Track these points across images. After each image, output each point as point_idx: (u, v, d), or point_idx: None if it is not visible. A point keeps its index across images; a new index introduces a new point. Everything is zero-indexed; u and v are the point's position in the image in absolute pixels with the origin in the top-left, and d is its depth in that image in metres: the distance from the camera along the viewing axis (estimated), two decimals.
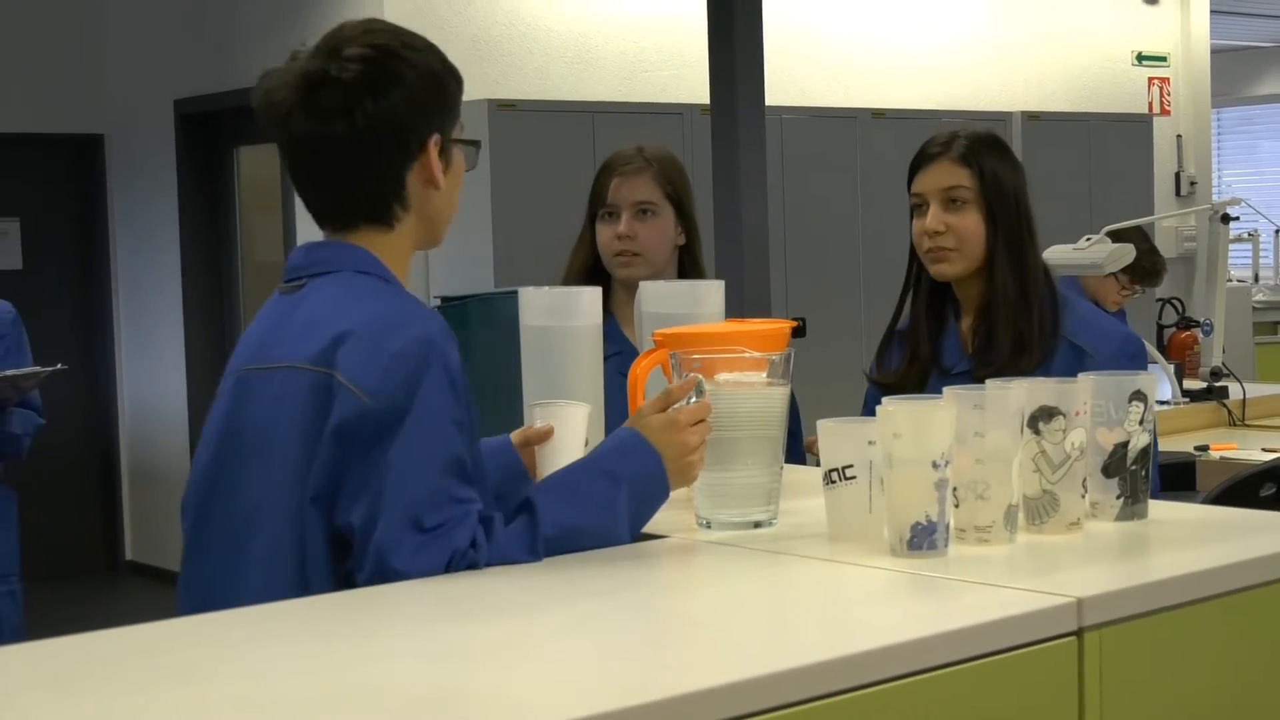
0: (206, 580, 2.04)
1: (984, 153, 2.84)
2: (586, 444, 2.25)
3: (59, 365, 4.75)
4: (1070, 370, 2.54)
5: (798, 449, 2.82)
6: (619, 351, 2.93)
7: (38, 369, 4.68)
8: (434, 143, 2.07)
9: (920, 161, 2.89)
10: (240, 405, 2.07)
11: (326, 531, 1.92)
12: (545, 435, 2.21)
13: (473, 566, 1.87)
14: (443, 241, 2.20)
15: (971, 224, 2.81)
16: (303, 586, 1.90)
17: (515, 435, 2.25)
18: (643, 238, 3.08)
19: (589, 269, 3.12)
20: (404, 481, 1.89)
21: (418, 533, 1.87)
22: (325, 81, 2.02)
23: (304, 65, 2.04)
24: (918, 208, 2.87)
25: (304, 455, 1.94)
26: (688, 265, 3.19)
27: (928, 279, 2.90)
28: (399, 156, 2.06)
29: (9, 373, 4.60)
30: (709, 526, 2.05)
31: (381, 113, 2.03)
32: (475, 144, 2.18)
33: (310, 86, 2.02)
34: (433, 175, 2.07)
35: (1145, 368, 2.76)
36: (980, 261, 2.82)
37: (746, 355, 2.08)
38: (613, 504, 1.98)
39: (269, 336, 2.07)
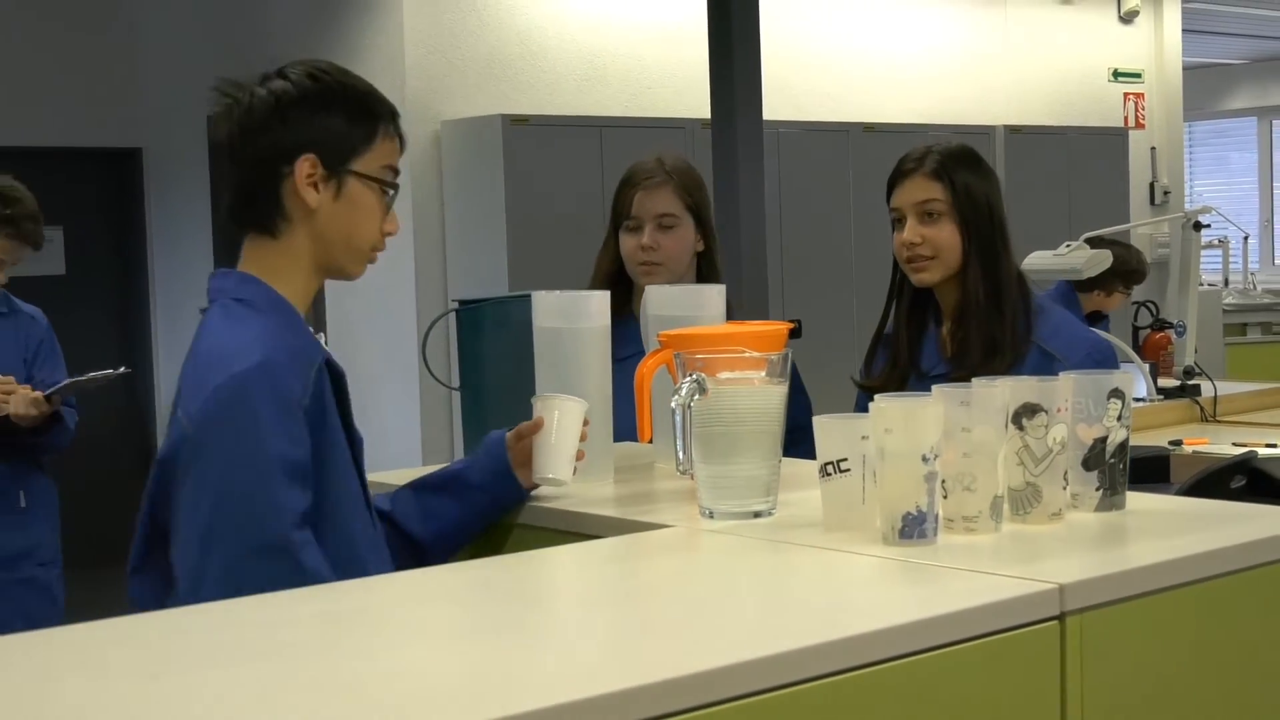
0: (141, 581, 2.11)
1: (956, 167, 2.86)
2: (584, 440, 2.26)
3: (124, 369, 4.75)
4: (1039, 374, 2.57)
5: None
6: (639, 352, 2.92)
7: (108, 372, 4.69)
8: (305, 162, 2.07)
9: (896, 177, 2.92)
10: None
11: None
12: (537, 427, 2.22)
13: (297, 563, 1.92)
14: (359, 276, 2.19)
15: (947, 235, 2.83)
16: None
17: (511, 432, 2.25)
18: (665, 248, 3.08)
19: (613, 274, 3.13)
20: (236, 511, 1.93)
21: (265, 555, 1.92)
22: (236, 103, 2.12)
23: (232, 87, 2.15)
24: (897, 221, 2.89)
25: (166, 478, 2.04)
26: (706, 270, 3.19)
27: (910, 287, 2.92)
28: (269, 169, 2.09)
29: (82, 378, 4.61)
30: (711, 516, 2.05)
31: (256, 127, 2.10)
32: (390, 186, 2.15)
33: (229, 105, 2.13)
34: (301, 194, 2.08)
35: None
36: (957, 269, 2.85)
37: (746, 355, 2.08)
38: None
39: (184, 368, 2.11)
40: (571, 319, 2.39)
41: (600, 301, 2.43)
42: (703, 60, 5.32)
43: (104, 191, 8.81)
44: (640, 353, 2.89)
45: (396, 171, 2.17)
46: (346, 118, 2.11)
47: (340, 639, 1.59)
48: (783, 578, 1.84)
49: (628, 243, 3.12)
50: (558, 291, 2.45)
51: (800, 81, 8.24)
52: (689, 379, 2.03)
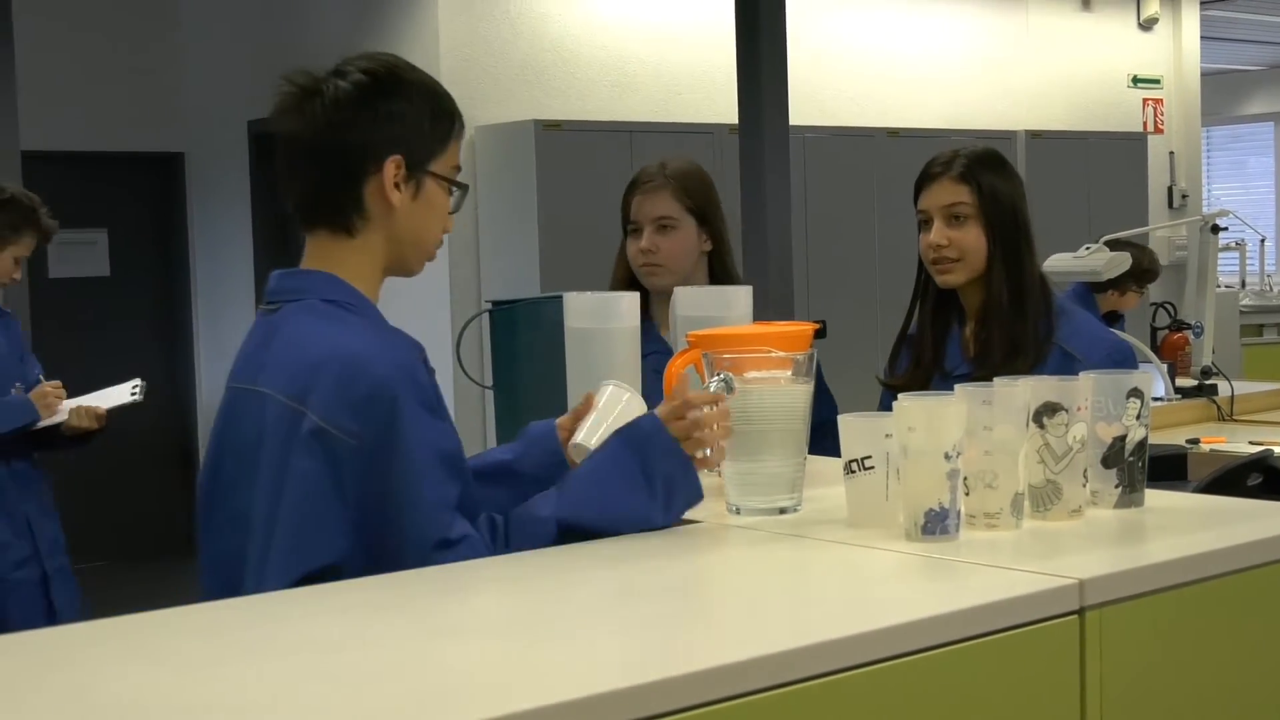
0: (217, 572, 2.05)
1: (982, 170, 2.84)
2: None
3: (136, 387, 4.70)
4: (1060, 374, 2.56)
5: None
6: (655, 351, 2.91)
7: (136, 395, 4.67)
8: (393, 163, 2.03)
9: (924, 180, 2.89)
10: (229, 421, 2.09)
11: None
12: (587, 407, 2.20)
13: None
14: (419, 272, 2.16)
15: (972, 237, 2.81)
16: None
17: (563, 418, 2.23)
18: (664, 250, 3.07)
19: (628, 279, 3.13)
20: (417, 512, 1.91)
21: (446, 549, 1.89)
22: (315, 93, 2.05)
23: (304, 79, 2.07)
24: (924, 223, 2.87)
25: (277, 478, 1.94)
26: (717, 270, 3.17)
27: (934, 288, 2.90)
28: (354, 168, 2.03)
29: (127, 401, 4.62)
30: (738, 512, 2.05)
31: (343, 122, 2.02)
32: (461, 187, 2.13)
33: (303, 95, 2.06)
34: (388, 194, 2.03)
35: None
36: (982, 271, 2.83)
37: (773, 355, 2.07)
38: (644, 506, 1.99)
39: (254, 358, 2.06)
40: (602, 320, 2.39)
41: (630, 302, 2.44)
42: (731, 67, 5.32)
43: (147, 195, 8.86)
44: (656, 352, 2.90)
45: (459, 169, 2.14)
46: (430, 117, 2.08)
47: (376, 631, 1.59)
48: (808, 573, 1.84)
49: (630, 247, 3.13)
50: (589, 293, 2.45)
51: (826, 87, 8.23)
52: (717, 378, 2.03)
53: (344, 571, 1.87)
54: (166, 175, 8.87)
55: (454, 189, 2.11)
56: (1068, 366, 2.64)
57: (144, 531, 8.78)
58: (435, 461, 1.93)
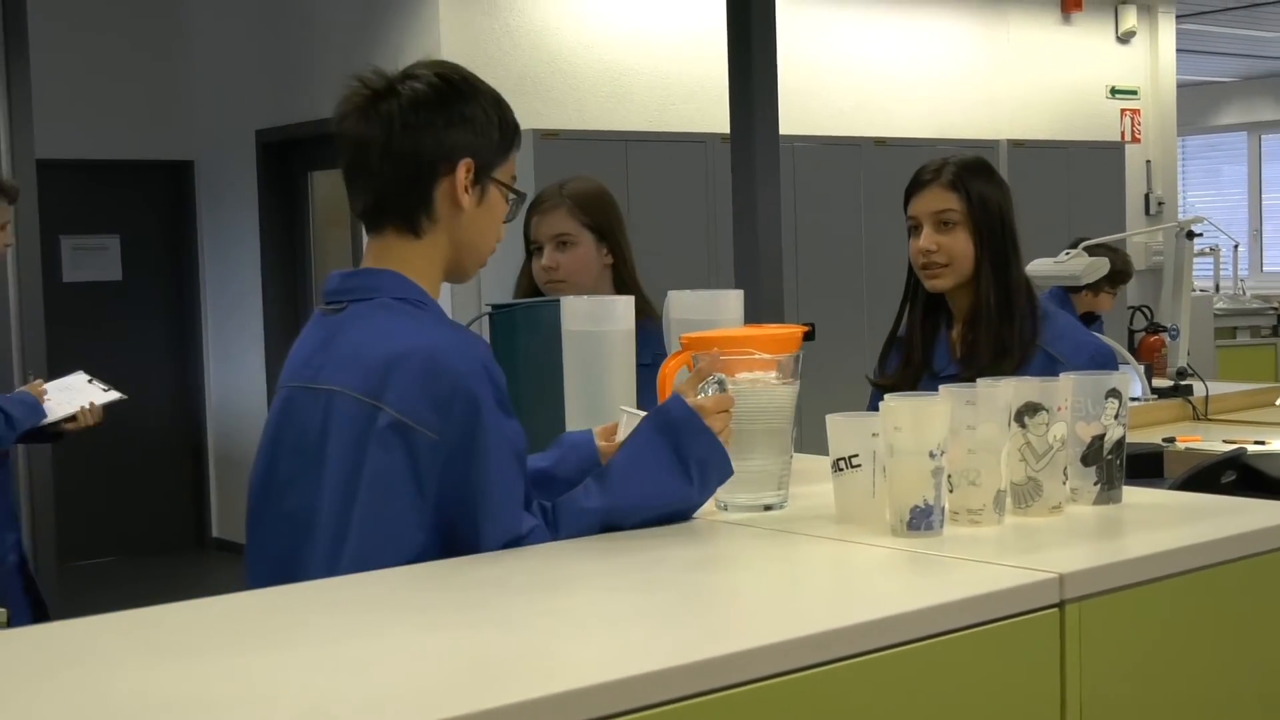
0: (268, 573, 2.02)
1: (971, 177, 2.83)
2: None
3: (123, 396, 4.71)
4: (1044, 376, 2.58)
5: None
6: None
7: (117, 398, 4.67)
8: (464, 166, 2.01)
9: (914, 187, 2.88)
10: (289, 420, 2.04)
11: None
12: (613, 431, 2.19)
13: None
14: (472, 278, 2.15)
15: (961, 243, 2.80)
16: None
17: (599, 430, 2.21)
18: (564, 266, 3.07)
19: (530, 294, 3.13)
20: (499, 508, 1.89)
21: (517, 545, 1.89)
22: (386, 95, 2.01)
23: (377, 81, 2.03)
24: (913, 229, 2.86)
25: (351, 476, 1.92)
26: (618, 282, 3.15)
27: (923, 292, 2.89)
28: (427, 170, 2.00)
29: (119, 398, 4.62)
30: (726, 509, 2.05)
31: (419, 124, 1.99)
32: (519, 195, 2.12)
33: (373, 97, 2.02)
34: (458, 197, 2.02)
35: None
36: (969, 275, 2.82)
37: (759, 357, 2.07)
38: (684, 486, 1.98)
39: (315, 357, 2.03)
40: (598, 322, 2.38)
41: (626, 306, 2.43)
42: (723, 78, 5.32)
43: (158, 202, 8.85)
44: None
45: (516, 180, 2.14)
46: (499, 125, 2.07)
47: (381, 622, 1.59)
48: (797, 567, 1.84)
49: (534, 264, 3.13)
50: (585, 296, 2.45)
51: (815, 98, 8.23)
52: (712, 380, 2.03)
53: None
54: (177, 182, 8.86)
55: (512, 196, 2.11)
56: (1051, 369, 2.62)
57: (153, 528, 8.77)
58: (510, 459, 1.92)
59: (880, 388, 2.88)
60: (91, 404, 4.53)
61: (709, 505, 2.06)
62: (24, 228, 5.82)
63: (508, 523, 1.89)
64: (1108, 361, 2.80)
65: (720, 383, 2.02)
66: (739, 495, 2.05)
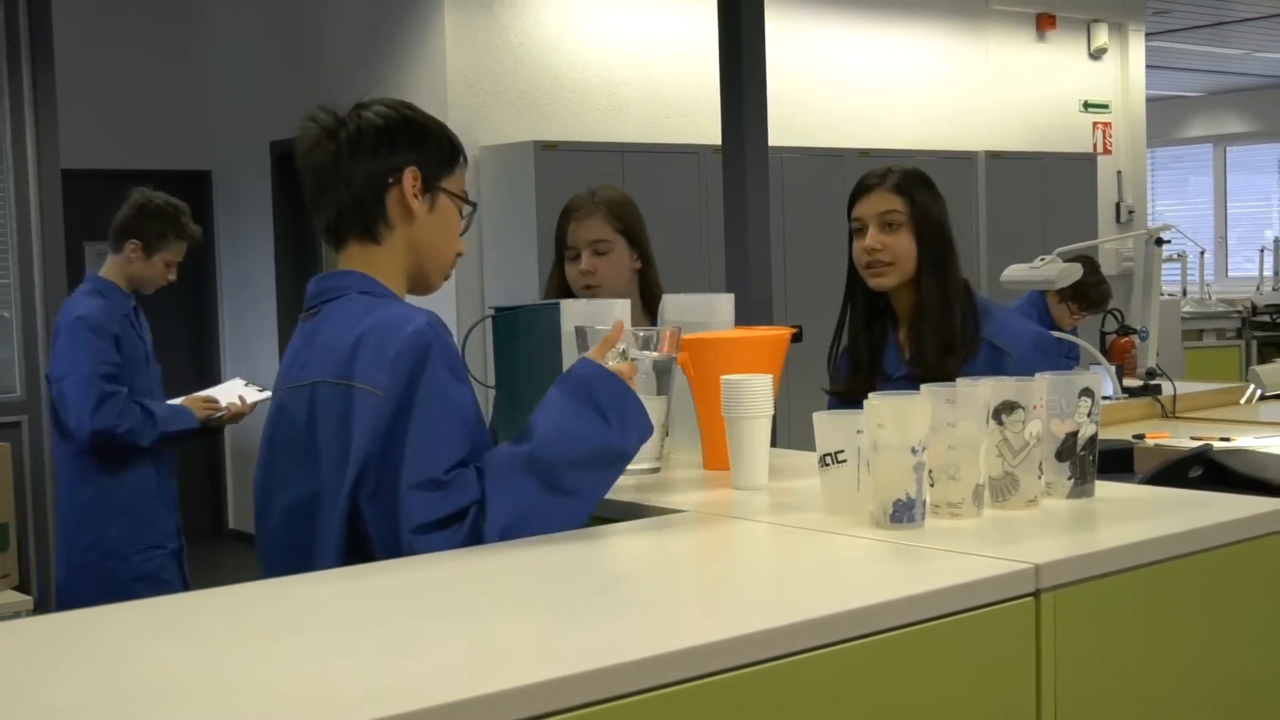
0: (284, 564, 2.06)
1: (914, 185, 2.85)
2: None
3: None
4: (991, 366, 2.68)
5: None
6: None
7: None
8: (410, 174, 2.11)
9: (859, 191, 2.88)
10: (278, 423, 2.13)
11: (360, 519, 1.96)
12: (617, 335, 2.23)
13: (477, 531, 1.89)
14: (437, 289, 2.22)
15: (905, 243, 2.81)
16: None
17: None
18: (601, 271, 3.05)
19: (562, 297, 3.07)
20: (419, 454, 1.91)
21: (435, 488, 1.89)
22: (337, 127, 2.11)
23: (326, 117, 2.13)
24: (857, 231, 2.86)
25: (341, 456, 1.97)
26: (644, 287, 3.14)
27: (863, 295, 2.90)
28: (377, 180, 2.10)
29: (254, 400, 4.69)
30: None
31: (368, 146, 2.09)
32: (469, 204, 2.20)
33: (326, 130, 2.12)
34: (408, 202, 2.11)
35: (1057, 361, 2.74)
36: (911, 275, 2.83)
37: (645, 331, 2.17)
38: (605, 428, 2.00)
39: (297, 359, 2.12)
40: (595, 323, 2.38)
41: (623, 309, 2.43)
42: (714, 92, 5.32)
43: None
44: None
45: (466, 195, 2.22)
46: (439, 143, 2.16)
47: (386, 610, 1.59)
48: (785, 558, 1.83)
49: (570, 270, 3.09)
50: (584, 299, 2.45)
51: (803, 111, 8.23)
52: (616, 350, 2.11)
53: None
54: (194, 191, 8.85)
55: (465, 208, 2.19)
56: (997, 359, 2.72)
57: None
58: (448, 415, 1.95)
59: (835, 395, 2.89)
60: (241, 398, 4.66)
61: (703, 497, 2.06)
62: (49, 233, 5.82)
63: (426, 465, 1.91)
64: (1050, 347, 2.84)
65: (624, 352, 2.07)
66: None
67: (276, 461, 2.11)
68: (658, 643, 1.35)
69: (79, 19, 7.92)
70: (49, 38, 5.87)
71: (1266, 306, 10.11)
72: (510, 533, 1.89)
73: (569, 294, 3.09)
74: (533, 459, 1.94)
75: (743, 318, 3.01)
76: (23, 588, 5.25)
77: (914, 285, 2.83)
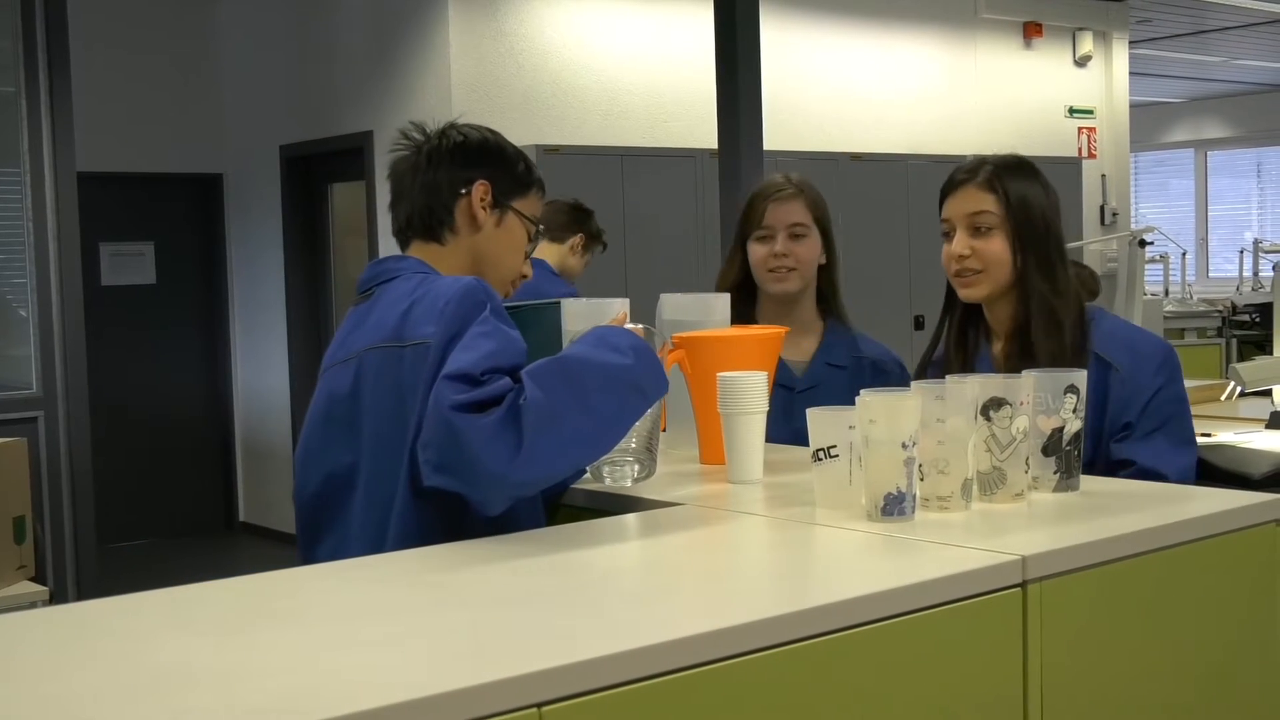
0: (315, 534, 2.08)
1: (1009, 177, 2.46)
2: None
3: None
4: (1097, 384, 2.34)
5: None
6: None
7: None
8: (481, 187, 2.15)
9: (948, 188, 2.52)
10: (324, 394, 2.12)
11: (412, 476, 1.92)
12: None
13: (518, 406, 1.79)
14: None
15: (997, 248, 2.44)
16: (394, 528, 1.94)
17: None
18: (796, 255, 2.87)
19: (738, 286, 2.92)
20: (458, 357, 1.87)
21: (470, 384, 1.82)
22: (426, 139, 2.20)
23: (422, 133, 2.21)
24: (946, 234, 2.49)
25: (392, 415, 1.97)
26: (824, 284, 2.97)
27: (960, 305, 2.54)
28: (448, 189, 2.15)
29: None
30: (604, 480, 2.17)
31: (447, 158, 2.17)
32: (535, 224, 2.23)
33: (413, 142, 2.20)
34: (475, 213, 2.15)
35: (1175, 375, 2.43)
36: (1007, 284, 2.45)
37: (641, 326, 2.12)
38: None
39: (347, 337, 2.13)
40: (595, 323, 2.38)
41: (620, 308, 2.43)
42: (711, 98, 5.32)
43: (190, 212, 8.84)
44: None
45: (538, 223, 2.25)
46: (516, 165, 2.22)
47: (397, 600, 1.59)
48: (779, 550, 1.83)
49: (758, 251, 2.88)
50: (584, 299, 2.45)
51: (796, 116, 8.23)
52: (641, 325, 2.10)
53: None
54: (207, 194, 8.85)
55: (530, 233, 2.23)
56: (1103, 375, 2.38)
57: (185, 512, 8.76)
58: (495, 339, 1.90)
59: None
60: None
61: (701, 492, 2.06)
62: (65, 235, 5.82)
63: (462, 364, 1.84)
64: (1166, 360, 2.44)
65: (648, 329, 2.10)
66: (603, 466, 2.15)
67: (316, 434, 2.11)
68: (654, 633, 1.35)
69: (94, 24, 7.91)
70: (65, 43, 5.86)
71: (1246, 306, 10.11)
72: (543, 428, 1.79)
73: (748, 280, 2.92)
74: (566, 368, 1.88)
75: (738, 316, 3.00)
76: (39, 579, 5.25)
77: (1011, 295, 2.46)
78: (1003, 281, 2.45)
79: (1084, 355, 2.38)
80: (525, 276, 2.24)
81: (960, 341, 2.54)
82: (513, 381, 1.84)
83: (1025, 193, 2.46)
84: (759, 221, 2.90)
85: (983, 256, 2.44)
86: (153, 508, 8.59)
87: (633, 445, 2.12)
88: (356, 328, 2.11)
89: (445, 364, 1.87)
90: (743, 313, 2.86)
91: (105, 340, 8.05)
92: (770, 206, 2.90)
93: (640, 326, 2.09)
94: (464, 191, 2.15)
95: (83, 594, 5.68)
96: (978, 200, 2.46)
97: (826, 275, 2.97)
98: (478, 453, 1.77)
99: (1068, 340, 2.40)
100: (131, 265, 8.57)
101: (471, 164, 2.17)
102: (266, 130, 8.43)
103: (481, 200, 2.15)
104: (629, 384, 1.92)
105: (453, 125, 2.22)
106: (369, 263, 2.21)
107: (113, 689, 1.26)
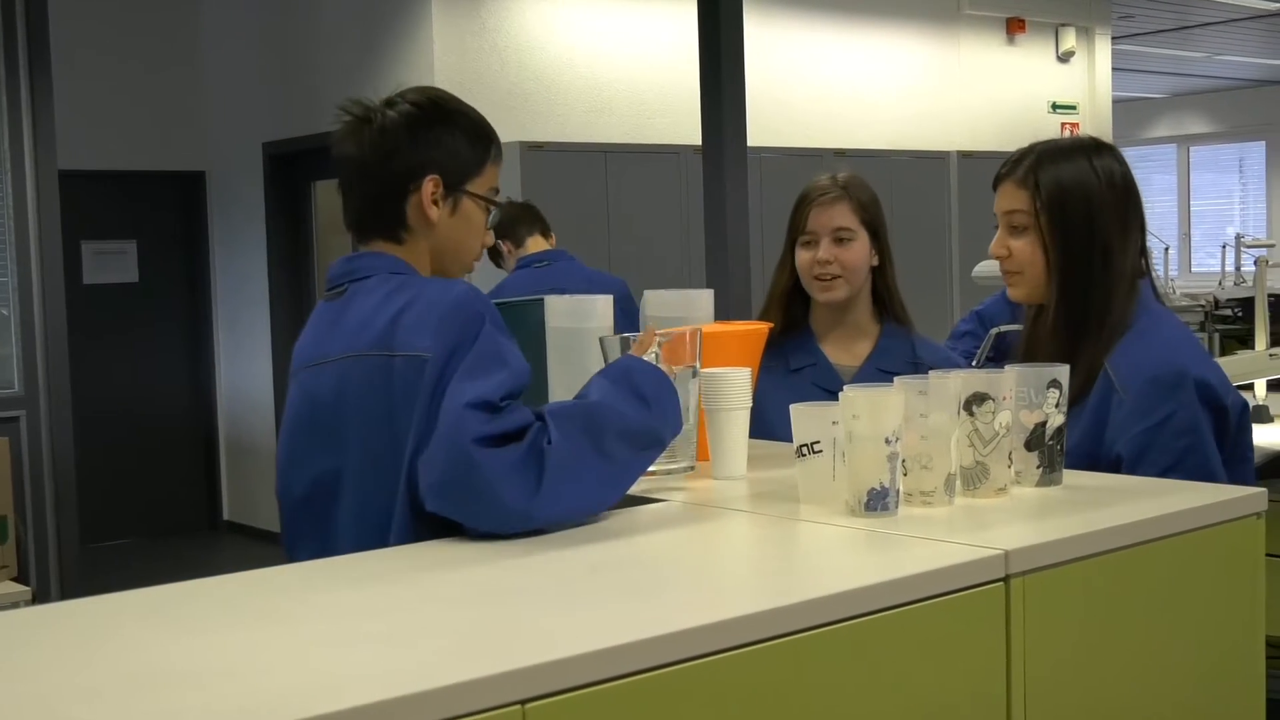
0: (302, 541, 2.03)
1: (1051, 166, 2.32)
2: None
3: None
4: (1099, 403, 2.24)
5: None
6: (814, 364, 2.80)
7: None
8: (430, 182, 2.05)
9: (995, 181, 2.42)
10: (302, 398, 2.05)
11: (411, 495, 1.87)
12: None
13: (541, 449, 1.76)
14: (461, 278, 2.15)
15: (1028, 250, 2.33)
16: (385, 543, 1.88)
17: None
18: (841, 261, 2.78)
19: (790, 290, 2.87)
20: (473, 383, 1.81)
21: (490, 412, 1.77)
22: (367, 121, 2.07)
23: (361, 109, 2.09)
24: (996, 228, 2.39)
25: (380, 428, 1.91)
26: (879, 286, 2.86)
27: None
28: (398, 187, 2.05)
29: None
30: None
31: (389, 148, 2.05)
32: (494, 202, 2.14)
33: (357, 123, 2.07)
34: (426, 209, 2.05)
35: (1186, 401, 2.20)
36: (1045, 282, 2.33)
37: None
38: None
39: (322, 338, 2.05)
40: (579, 320, 2.38)
41: (604, 305, 2.43)
42: (696, 94, 5.32)
43: (173, 209, 8.82)
44: (815, 364, 2.79)
45: (498, 191, 2.15)
46: (467, 142, 2.09)
47: (376, 600, 1.59)
48: (763, 545, 1.84)
49: (803, 257, 2.82)
50: (567, 296, 2.45)
51: (780, 112, 8.23)
52: (652, 350, 2.05)
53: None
54: (189, 191, 8.83)
55: (490, 207, 2.13)
56: (1106, 395, 2.24)
57: (169, 511, 8.74)
58: (503, 362, 1.86)
59: None
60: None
61: (681, 487, 2.06)
62: (46, 233, 5.80)
63: (480, 390, 1.79)
64: (1172, 384, 2.20)
65: (656, 354, 2.05)
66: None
67: (300, 438, 2.04)
68: (638, 629, 1.35)
69: (76, 19, 7.89)
70: (46, 39, 5.84)
71: (1228, 301, 10.13)
72: (564, 476, 1.78)
73: (797, 285, 2.85)
74: (588, 415, 1.85)
75: (722, 313, 3.00)
76: (21, 578, 5.23)
77: (1050, 295, 2.32)
78: (1040, 281, 2.33)
79: (1096, 369, 2.26)
80: (486, 245, 2.15)
81: (1033, 330, 2.40)
82: (533, 415, 1.81)
83: (1065, 183, 2.30)
84: (803, 226, 2.84)
85: (1019, 258, 2.35)
86: (136, 507, 8.57)
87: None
88: (332, 328, 2.04)
89: (452, 382, 1.82)
90: (797, 317, 2.84)
91: (88, 339, 8.03)
92: (814, 211, 2.83)
93: (656, 348, 2.03)
94: (412, 188, 2.05)
95: (66, 594, 5.66)
96: (1012, 198, 2.36)
97: (881, 276, 2.86)
98: (495, 490, 1.74)
99: (1086, 352, 2.26)
100: (114, 263, 8.55)
101: (418, 151, 2.04)
102: (250, 127, 8.41)
103: (432, 195, 2.05)
104: (651, 438, 1.92)
105: (391, 102, 2.08)
106: (341, 258, 2.13)
107: (96, 689, 1.26)
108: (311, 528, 2.02)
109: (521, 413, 1.81)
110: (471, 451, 1.74)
